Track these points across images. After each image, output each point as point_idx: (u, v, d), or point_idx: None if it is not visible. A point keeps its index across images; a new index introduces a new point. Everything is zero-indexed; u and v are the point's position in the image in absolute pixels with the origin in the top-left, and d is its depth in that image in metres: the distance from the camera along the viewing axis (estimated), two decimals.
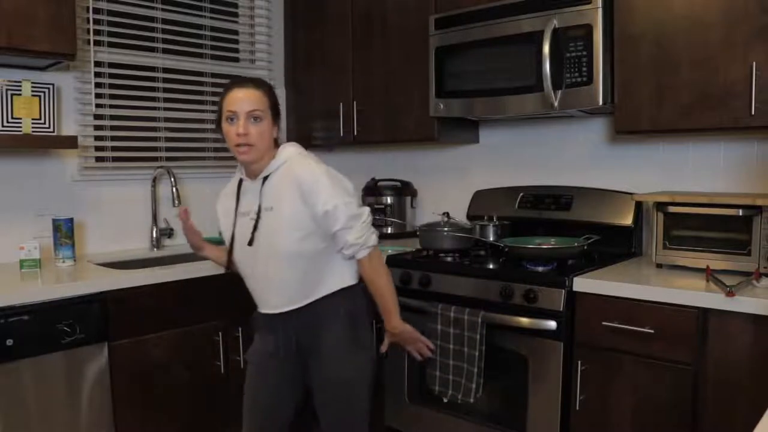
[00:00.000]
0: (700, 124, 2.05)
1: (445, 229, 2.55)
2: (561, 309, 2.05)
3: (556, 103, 2.27)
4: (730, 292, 1.75)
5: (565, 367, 2.06)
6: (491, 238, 2.53)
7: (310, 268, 1.77)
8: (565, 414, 2.08)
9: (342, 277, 1.83)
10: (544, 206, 2.69)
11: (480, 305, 2.20)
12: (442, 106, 2.64)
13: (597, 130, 2.67)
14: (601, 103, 2.19)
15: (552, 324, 2.05)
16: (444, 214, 2.62)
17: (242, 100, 1.73)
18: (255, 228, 1.77)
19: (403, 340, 1.98)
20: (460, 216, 2.93)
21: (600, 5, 2.17)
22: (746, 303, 1.73)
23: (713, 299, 1.78)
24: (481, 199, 2.93)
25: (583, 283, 2.03)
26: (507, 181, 2.94)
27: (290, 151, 1.81)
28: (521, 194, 2.79)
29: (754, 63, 1.92)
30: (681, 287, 1.86)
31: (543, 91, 2.28)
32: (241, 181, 1.86)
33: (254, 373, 1.93)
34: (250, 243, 1.77)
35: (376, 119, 2.98)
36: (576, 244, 2.33)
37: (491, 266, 2.31)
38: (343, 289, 1.83)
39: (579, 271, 2.13)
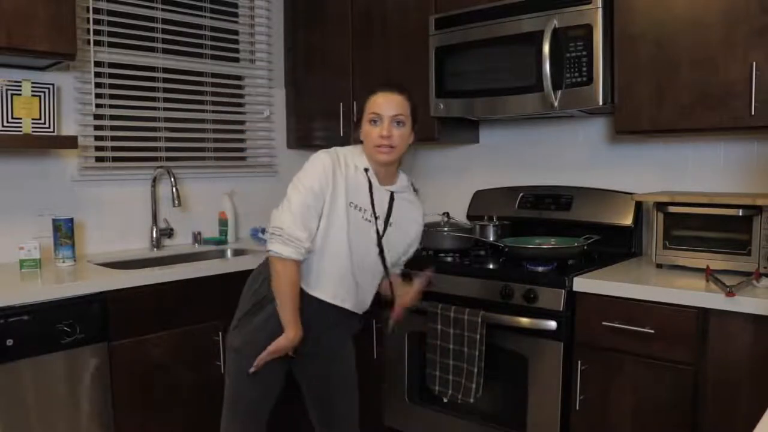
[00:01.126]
0: (700, 124, 2.05)
1: (445, 229, 2.55)
2: (561, 309, 2.05)
3: (556, 103, 2.27)
4: (730, 292, 1.75)
5: (565, 367, 2.06)
6: (491, 238, 2.53)
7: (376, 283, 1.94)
8: (565, 414, 2.08)
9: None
10: (544, 206, 2.69)
11: (480, 305, 2.20)
12: (442, 106, 2.64)
13: (597, 130, 2.67)
14: (601, 103, 2.19)
15: (552, 324, 2.05)
16: (444, 214, 2.62)
17: (388, 103, 1.79)
18: (383, 233, 1.86)
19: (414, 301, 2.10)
20: (460, 216, 2.93)
21: (600, 5, 2.17)
22: (746, 303, 1.73)
23: (713, 299, 1.78)
24: (481, 199, 2.93)
25: (583, 283, 2.03)
26: (507, 181, 2.94)
27: (406, 177, 1.96)
28: (521, 194, 2.79)
29: (754, 63, 1.92)
30: (681, 287, 1.86)
31: (543, 91, 2.28)
32: (370, 181, 1.84)
33: (245, 368, 1.85)
34: (380, 246, 1.86)
35: None
36: (576, 244, 2.33)
37: (491, 266, 2.31)
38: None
39: (579, 271, 2.13)
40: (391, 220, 1.87)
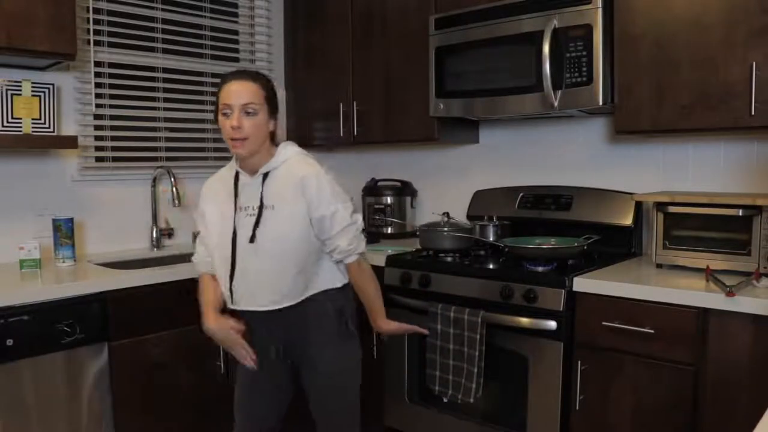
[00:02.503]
0: (701, 124, 2.05)
1: (445, 229, 2.55)
2: (561, 309, 2.05)
3: (556, 103, 2.27)
4: (729, 292, 1.75)
5: (565, 367, 2.06)
6: (491, 238, 2.53)
7: (304, 266, 1.78)
8: (565, 414, 2.08)
9: (332, 278, 1.85)
10: (544, 206, 2.69)
11: (480, 305, 2.20)
12: (442, 106, 2.64)
13: (597, 130, 2.67)
14: (601, 103, 2.19)
15: (552, 324, 2.05)
16: (444, 214, 2.62)
17: (237, 92, 1.71)
18: (257, 224, 1.76)
19: (395, 334, 2.02)
20: (460, 216, 2.93)
21: (600, 5, 2.17)
22: (746, 303, 1.73)
23: (713, 299, 1.78)
24: (481, 199, 2.93)
25: (583, 283, 2.03)
26: (507, 181, 2.94)
27: (291, 150, 1.82)
28: (521, 194, 2.79)
29: (754, 63, 1.92)
30: (681, 287, 1.86)
31: (543, 91, 2.28)
32: (237, 175, 1.83)
33: (243, 376, 1.93)
34: (252, 240, 1.75)
35: (376, 119, 2.98)
36: (576, 244, 2.33)
37: (491, 266, 2.31)
38: (332, 290, 1.84)
39: (579, 271, 2.13)
40: (265, 202, 1.75)
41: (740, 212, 1.98)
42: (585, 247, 2.32)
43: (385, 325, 1.92)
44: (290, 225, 1.75)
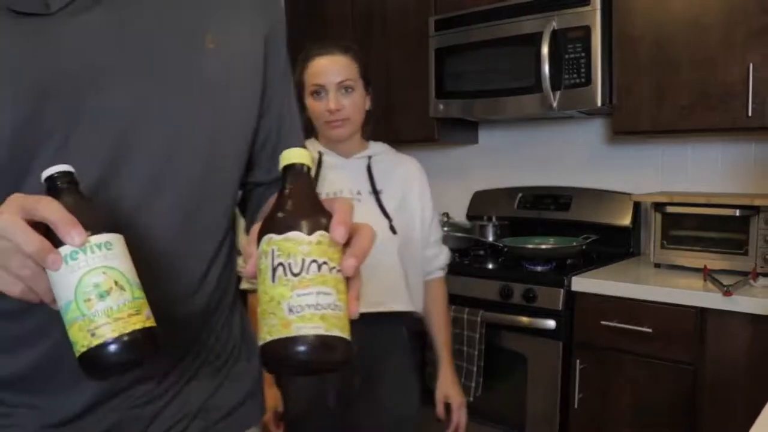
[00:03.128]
0: (700, 125, 2.07)
1: (445, 229, 2.56)
2: (560, 308, 2.06)
3: (555, 104, 2.28)
4: (727, 292, 1.76)
5: (564, 367, 2.07)
6: (491, 238, 2.54)
7: (394, 271, 1.50)
8: (564, 413, 2.09)
9: (412, 298, 1.55)
10: (543, 206, 2.71)
11: (479, 305, 2.21)
12: (441, 106, 2.65)
13: (596, 131, 2.68)
14: (599, 104, 2.20)
15: (551, 323, 2.06)
16: (443, 214, 2.63)
17: (330, 70, 1.48)
18: (384, 213, 1.47)
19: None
20: (459, 216, 2.94)
21: (599, 7, 2.18)
22: (743, 302, 1.74)
23: (711, 299, 1.79)
24: (480, 200, 2.94)
25: (581, 283, 2.04)
26: (506, 182, 2.95)
27: (380, 144, 1.65)
28: (520, 194, 2.80)
29: (752, 64, 1.93)
30: (679, 287, 1.87)
31: (542, 92, 2.29)
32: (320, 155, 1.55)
33: None
34: (394, 230, 1.47)
35: (376, 119, 2.98)
36: (575, 244, 2.34)
37: (490, 266, 2.33)
38: (408, 312, 1.55)
39: (578, 270, 2.14)
40: (377, 186, 1.52)
41: (738, 212, 1.99)
42: (584, 247, 2.33)
43: (453, 389, 1.61)
44: (410, 216, 1.53)
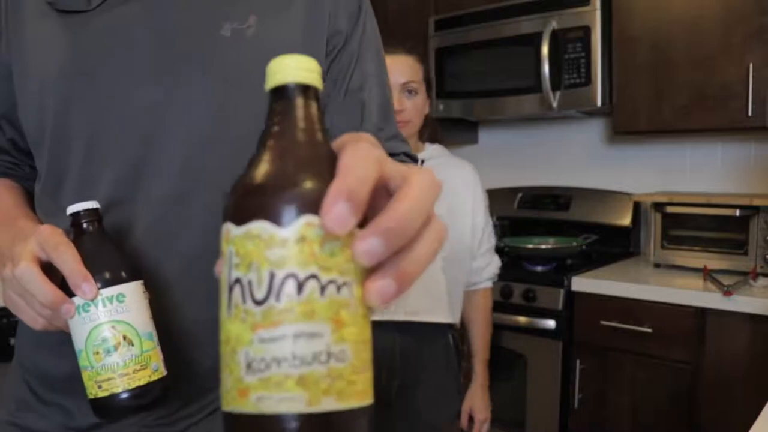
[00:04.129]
0: (699, 125, 2.07)
1: None
2: (560, 308, 2.06)
3: (554, 104, 2.29)
4: (727, 292, 1.76)
5: (564, 366, 2.08)
6: None
7: (435, 281, 1.46)
8: (564, 413, 2.09)
9: (452, 307, 1.50)
10: (543, 206, 2.71)
11: None
12: (441, 106, 2.65)
13: (595, 131, 2.68)
14: (599, 104, 2.21)
15: (551, 323, 2.06)
16: None
17: (394, 69, 1.40)
18: None
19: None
20: None
21: (598, 7, 2.18)
22: (743, 302, 1.74)
23: (711, 299, 1.79)
24: None
25: (581, 283, 2.04)
26: (506, 182, 2.95)
27: (436, 147, 1.61)
28: (520, 194, 2.80)
29: (751, 64, 1.93)
30: (679, 287, 1.87)
31: (542, 92, 2.29)
32: None
33: None
34: None
35: None
36: (574, 243, 2.34)
37: None
38: (448, 324, 1.52)
39: (577, 270, 2.14)
40: None
41: (737, 212, 1.99)
42: (583, 247, 2.33)
43: (481, 403, 1.57)
44: (458, 223, 1.48)
